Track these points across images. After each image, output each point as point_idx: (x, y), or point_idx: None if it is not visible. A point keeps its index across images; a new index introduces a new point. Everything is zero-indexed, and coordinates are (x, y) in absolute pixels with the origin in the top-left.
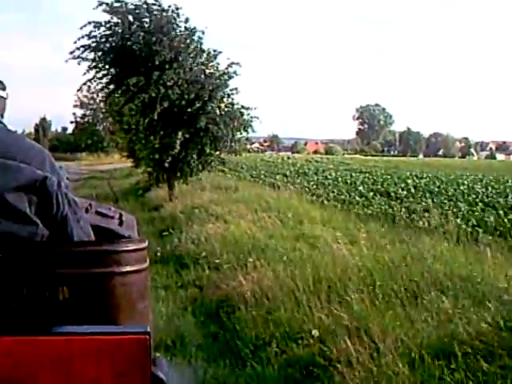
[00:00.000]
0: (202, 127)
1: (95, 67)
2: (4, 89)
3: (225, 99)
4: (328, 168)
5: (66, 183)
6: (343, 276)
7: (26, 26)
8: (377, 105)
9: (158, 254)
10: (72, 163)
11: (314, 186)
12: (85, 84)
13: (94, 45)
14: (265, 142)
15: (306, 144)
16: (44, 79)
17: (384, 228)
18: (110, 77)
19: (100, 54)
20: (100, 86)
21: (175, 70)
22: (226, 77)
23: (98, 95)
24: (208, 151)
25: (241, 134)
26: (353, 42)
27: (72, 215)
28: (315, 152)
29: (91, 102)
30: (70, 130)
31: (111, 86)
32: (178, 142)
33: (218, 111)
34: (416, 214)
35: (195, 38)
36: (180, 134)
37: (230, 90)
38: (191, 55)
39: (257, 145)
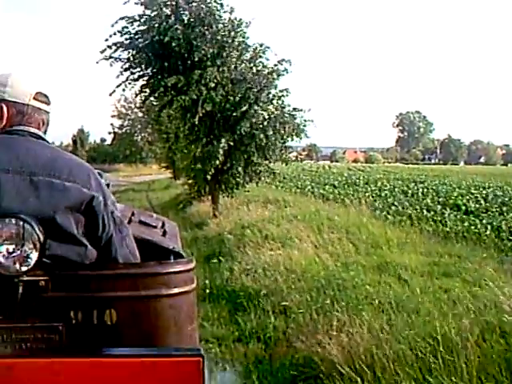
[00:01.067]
0: (245, 133)
1: (129, 68)
2: (49, 103)
3: (274, 101)
4: (378, 178)
5: (113, 200)
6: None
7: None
8: (417, 112)
9: (207, 289)
10: (110, 175)
11: (371, 198)
12: (118, 87)
13: (127, 42)
14: (303, 150)
15: (344, 152)
16: (82, 90)
17: (479, 253)
18: (146, 78)
19: (134, 52)
20: (135, 90)
21: (218, 68)
22: (274, 75)
23: (135, 105)
24: (255, 160)
25: (292, 139)
26: (393, 49)
27: (117, 235)
28: (354, 161)
29: (129, 112)
30: (109, 141)
31: (147, 90)
32: (221, 150)
33: (265, 114)
34: (504, 232)
35: (240, 30)
36: (223, 141)
37: (280, 91)
38: (236, 50)
39: (295, 154)
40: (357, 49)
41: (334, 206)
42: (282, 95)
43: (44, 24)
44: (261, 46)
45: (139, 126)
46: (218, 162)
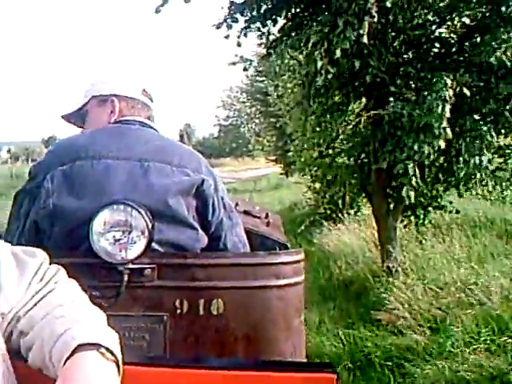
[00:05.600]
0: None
1: None
2: (152, 101)
3: None
4: None
5: (223, 187)
6: None
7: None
8: None
9: None
10: (214, 170)
11: None
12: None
13: None
14: None
15: None
16: (188, 86)
17: None
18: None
19: None
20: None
21: None
22: None
23: (241, 93)
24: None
25: None
26: None
27: (227, 220)
28: None
29: (234, 101)
30: (215, 135)
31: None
32: (447, 111)
33: None
34: None
35: None
36: (450, 85)
37: None
38: None
39: None
40: None
41: None
42: None
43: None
44: None
45: (245, 117)
46: (440, 145)
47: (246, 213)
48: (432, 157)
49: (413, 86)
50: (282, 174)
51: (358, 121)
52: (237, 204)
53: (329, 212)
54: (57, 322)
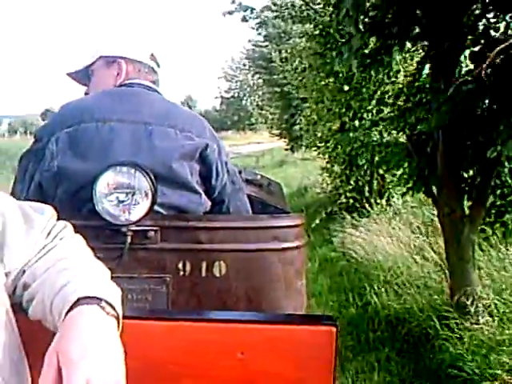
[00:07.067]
0: None
1: None
2: (159, 66)
3: None
4: None
5: (227, 152)
6: None
7: None
8: None
9: None
10: None
11: None
12: None
13: None
14: None
15: None
16: (190, 58)
17: None
18: None
19: None
20: None
21: None
22: None
23: (244, 60)
24: None
25: None
26: None
27: (230, 185)
28: None
29: (237, 73)
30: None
31: None
32: None
33: None
34: None
35: None
36: None
37: None
38: None
39: None
40: None
41: None
42: None
43: None
44: None
45: (248, 89)
46: None
47: (248, 182)
48: None
49: None
50: (286, 149)
51: (418, 72)
52: (240, 172)
53: (351, 201)
54: (59, 274)
